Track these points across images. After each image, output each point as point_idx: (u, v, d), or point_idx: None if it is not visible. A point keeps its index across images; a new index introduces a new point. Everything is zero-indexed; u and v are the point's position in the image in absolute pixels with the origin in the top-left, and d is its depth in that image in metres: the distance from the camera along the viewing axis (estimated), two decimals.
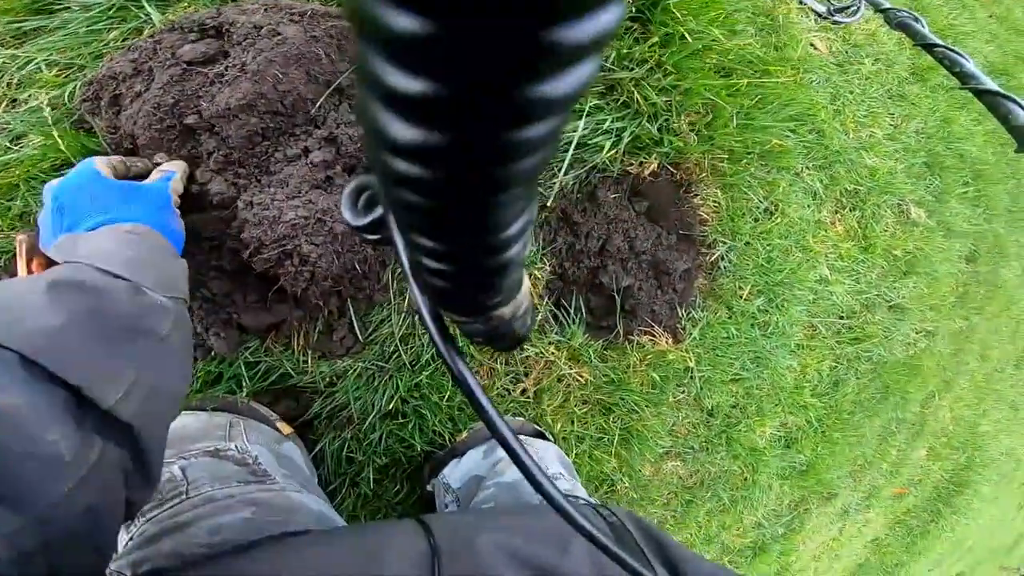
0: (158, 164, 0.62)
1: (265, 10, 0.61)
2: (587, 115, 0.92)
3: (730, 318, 1.22)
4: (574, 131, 0.90)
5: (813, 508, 1.61)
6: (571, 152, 0.92)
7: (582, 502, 0.63)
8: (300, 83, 0.60)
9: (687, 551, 0.49)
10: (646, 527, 0.52)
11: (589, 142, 0.95)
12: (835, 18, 1.07)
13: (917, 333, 1.70)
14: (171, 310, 0.44)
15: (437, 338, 0.23)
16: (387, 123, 0.12)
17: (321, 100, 0.63)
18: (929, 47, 0.72)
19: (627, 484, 1.13)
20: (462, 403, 0.89)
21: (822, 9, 1.11)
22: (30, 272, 0.54)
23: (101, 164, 0.55)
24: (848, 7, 1.05)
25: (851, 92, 1.41)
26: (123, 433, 0.37)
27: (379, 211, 0.25)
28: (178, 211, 0.57)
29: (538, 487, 0.23)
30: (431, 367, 0.86)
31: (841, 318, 1.48)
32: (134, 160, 0.59)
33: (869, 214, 1.46)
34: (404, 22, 0.09)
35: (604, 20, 0.10)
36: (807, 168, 1.33)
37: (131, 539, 0.52)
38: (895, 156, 1.50)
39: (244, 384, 0.71)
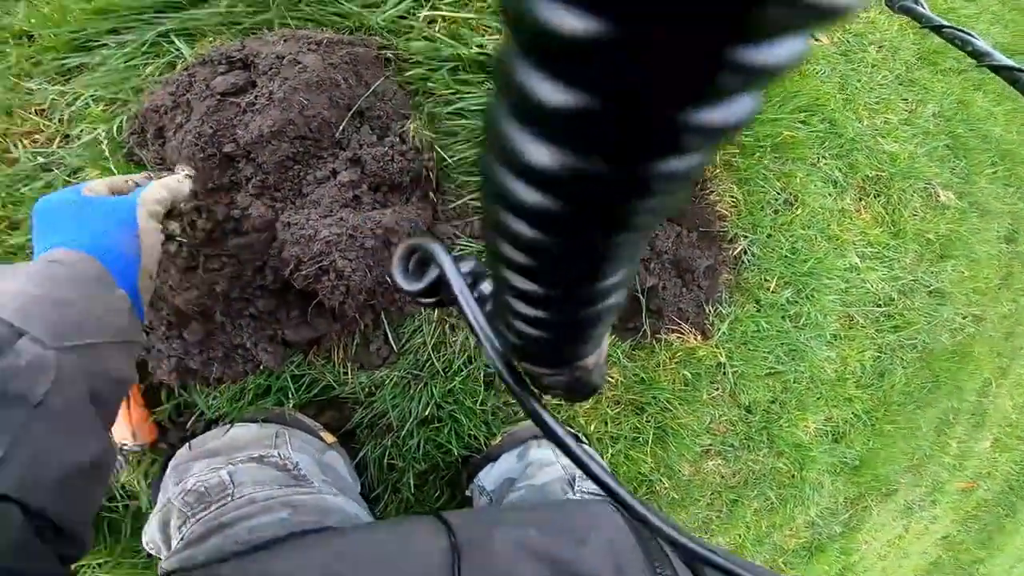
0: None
1: (284, 41, 0.68)
2: None
3: (759, 311, 1.21)
4: None
5: (872, 505, 1.55)
6: None
7: (598, 498, 0.65)
8: (323, 108, 0.66)
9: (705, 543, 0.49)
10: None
11: None
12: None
13: (964, 318, 1.64)
14: (51, 367, 0.36)
15: (510, 381, 0.23)
16: (522, 146, 0.11)
17: (344, 123, 0.69)
18: (937, 28, 0.71)
19: (667, 485, 1.12)
20: (495, 408, 0.92)
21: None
22: None
23: (95, 182, 0.51)
24: None
25: (859, 80, 1.41)
26: (11, 503, 0.33)
27: (434, 273, 0.24)
28: (153, 226, 0.50)
29: (603, 485, 0.24)
30: (463, 373, 0.89)
31: (878, 306, 1.45)
32: (142, 176, 0.58)
33: (895, 199, 1.44)
34: (572, 23, 0.08)
35: (794, 48, 0.09)
36: (823, 157, 1.33)
37: (182, 539, 0.56)
38: (914, 140, 1.49)
39: (291, 396, 0.75)
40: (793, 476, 1.34)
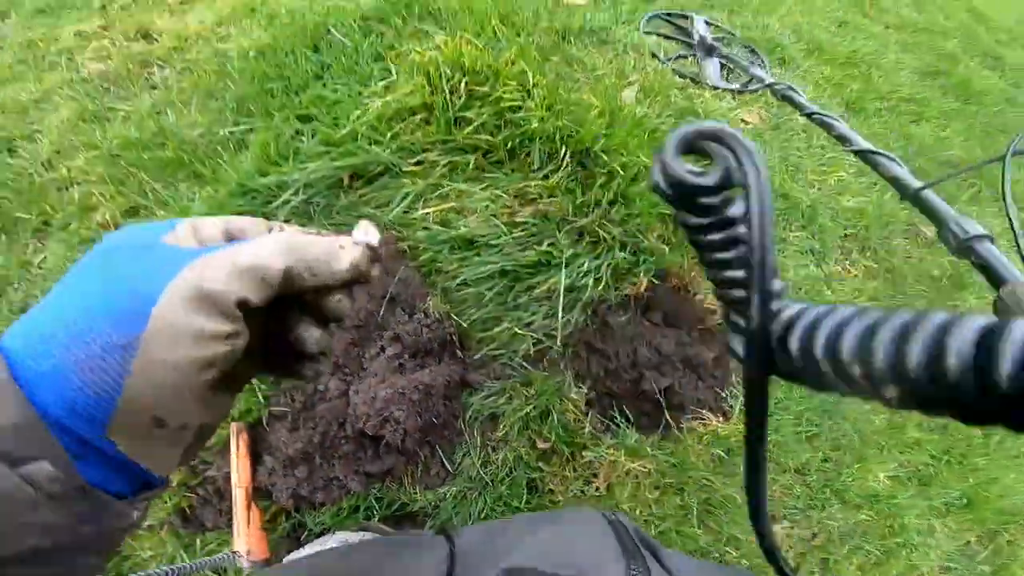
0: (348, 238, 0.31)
1: None
2: (566, 265, 1.27)
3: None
4: (557, 282, 1.23)
5: (1016, 539, 1.38)
6: (563, 297, 1.23)
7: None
8: (365, 302, 1.02)
9: (681, 556, 0.55)
10: (644, 536, 0.58)
11: (577, 285, 1.27)
12: (750, 87, 1.16)
13: None
14: None
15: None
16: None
17: (382, 310, 1.05)
18: (808, 115, 0.85)
19: (736, 554, 1.16)
20: (539, 506, 1.10)
21: (736, 86, 1.25)
22: (238, 448, 0.93)
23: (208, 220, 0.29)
24: (751, 79, 1.16)
25: (798, 148, 1.61)
26: None
27: (718, 172, 0.20)
28: (203, 330, 0.24)
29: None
30: (507, 481, 1.10)
31: None
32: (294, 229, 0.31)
33: (880, 249, 1.56)
34: None
35: None
36: (790, 230, 1.52)
37: None
38: (875, 189, 1.63)
39: (375, 512, 1.01)
40: (890, 526, 1.29)
